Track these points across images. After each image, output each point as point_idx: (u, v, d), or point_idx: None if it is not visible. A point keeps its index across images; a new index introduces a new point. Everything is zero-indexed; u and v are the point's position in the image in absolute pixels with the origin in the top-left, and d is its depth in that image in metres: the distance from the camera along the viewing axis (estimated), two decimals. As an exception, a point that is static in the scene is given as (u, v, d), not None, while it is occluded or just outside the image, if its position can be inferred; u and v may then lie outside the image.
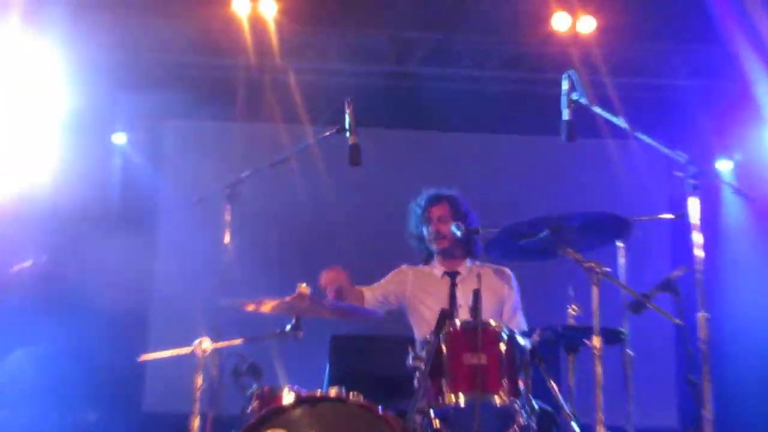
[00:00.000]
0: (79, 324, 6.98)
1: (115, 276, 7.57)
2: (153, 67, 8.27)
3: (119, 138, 8.39)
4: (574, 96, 4.68)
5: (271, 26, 7.80)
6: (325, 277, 5.47)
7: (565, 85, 4.69)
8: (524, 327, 5.58)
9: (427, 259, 5.89)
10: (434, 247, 5.79)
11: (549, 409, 4.84)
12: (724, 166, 8.17)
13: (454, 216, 5.70)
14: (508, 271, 5.78)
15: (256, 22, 7.79)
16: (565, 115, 4.64)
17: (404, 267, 5.91)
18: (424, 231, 5.81)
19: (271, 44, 7.93)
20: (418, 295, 5.75)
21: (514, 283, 5.77)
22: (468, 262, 5.80)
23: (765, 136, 7.78)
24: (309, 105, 8.18)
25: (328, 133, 5.04)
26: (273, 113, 8.33)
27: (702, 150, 7.89)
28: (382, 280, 5.86)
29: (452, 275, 5.73)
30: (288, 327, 4.77)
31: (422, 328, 5.62)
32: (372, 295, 5.73)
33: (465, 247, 5.78)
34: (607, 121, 5.19)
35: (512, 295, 5.72)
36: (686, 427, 4.54)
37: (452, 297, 5.63)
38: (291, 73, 8.31)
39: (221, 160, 7.87)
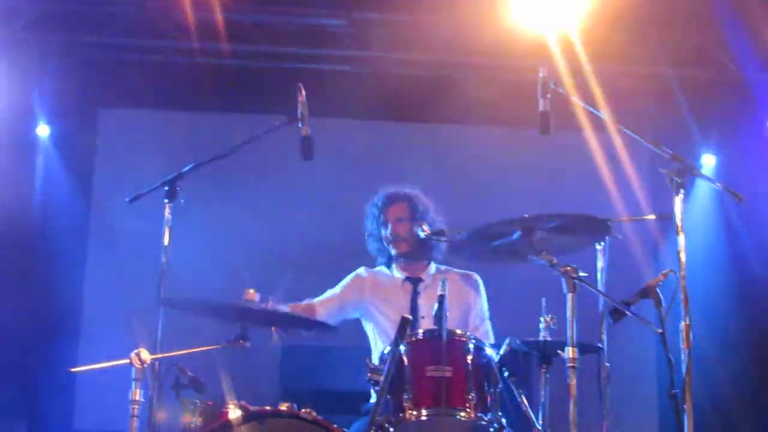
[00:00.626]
0: (3, 333, 6.97)
1: (42, 281, 7.55)
2: (85, 50, 8.23)
3: (43, 130, 8.30)
4: (551, 85, 4.74)
5: (217, 5, 7.75)
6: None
7: (541, 74, 4.75)
8: (491, 338, 5.63)
9: (388, 263, 5.90)
10: (393, 251, 5.79)
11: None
12: (707, 161, 8.28)
13: (413, 217, 5.70)
14: (475, 276, 5.81)
15: (199, 1, 7.74)
16: (541, 105, 4.70)
17: (361, 271, 5.90)
18: (382, 233, 5.82)
19: (216, 25, 7.89)
20: (376, 303, 5.75)
21: (482, 289, 5.80)
22: (432, 268, 5.82)
23: (754, 130, 7.93)
24: (258, 92, 8.18)
25: (278, 124, 5.02)
26: (218, 101, 8.33)
27: (687, 145, 8.00)
28: (336, 288, 5.83)
29: (414, 282, 5.76)
30: (233, 337, 4.76)
31: (380, 338, 5.63)
32: (324, 309, 5.66)
33: (428, 251, 5.79)
34: (587, 113, 5.27)
35: (479, 302, 5.75)
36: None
37: (414, 306, 5.66)
38: (238, 58, 8.30)
39: (161, 152, 7.86)
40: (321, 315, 5.60)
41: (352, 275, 5.88)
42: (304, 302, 5.63)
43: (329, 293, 5.78)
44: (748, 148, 8.04)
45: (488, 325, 5.73)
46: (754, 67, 7.81)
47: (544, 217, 4.53)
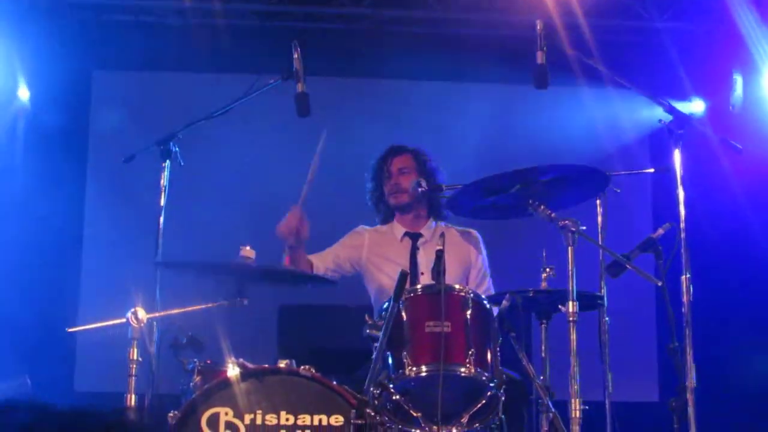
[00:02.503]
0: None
1: (39, 242, 7.52)
2: (76, 12, 8.16)
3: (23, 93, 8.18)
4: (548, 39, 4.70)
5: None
6: (286, 224, 5.38)
7: (538, 27, 4.70)
8: (492, 293, 5.62)
9: (386, 219, 5.87)
10: (392, 202, 5.76)
11: (518, 377, 4.88)
12: (697, 106, 8.16)
13: (417, 170, 5.68)
14: (475, 233, 5.80)
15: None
16: (538, 58, 4.65)
17: (360, 228, 5.89)
18: (384, 184, 5.79)
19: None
20: (375, 260, 5.73)
21: (482, 246, 5.78)
22: (431, 224, 5.80)
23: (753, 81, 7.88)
24: (252, 53, 8.12)
25: (272, 81, 4.99)
26: (211, 61, 8.26)
27: (685, 98, 7.94)
28: (335, 245, 5.82)
29: (414, 237, 5.73)
30: (231, 295, 4.74)
31: (380, 296, 5.61)
32: (322, 263, 5.66)
33: (428, 207, 5.77)
34: (584, 68, 5.23)
35: (480, 259, 5.74)
36: (667, 399, 4.59)
37: (413, 261, 5.64)
38: (230, 16, 8.24)
39: (156, 114, 7.81)
40: (319, 270, 5.60)
41: (350, 233, 5.86)
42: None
43: (327, 250, 5.76)
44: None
45: (489, 281, 5.72)
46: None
47: (540, 170, 4.50)
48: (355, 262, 5.76)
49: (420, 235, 5.72)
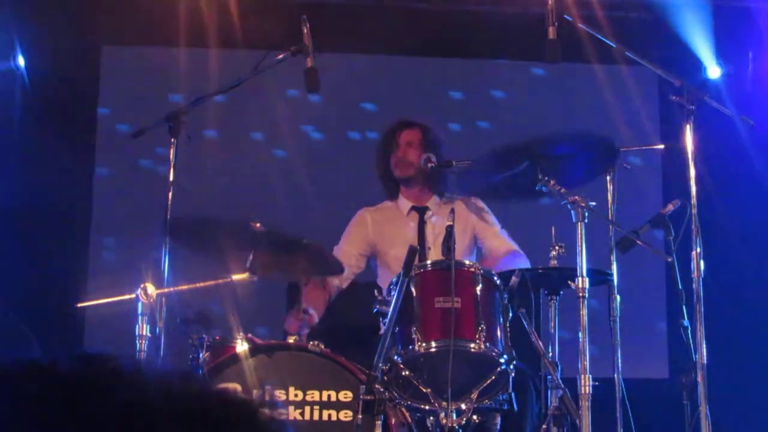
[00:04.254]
0: (9, 267, 6.96)
1: (50, 213, 7.52)
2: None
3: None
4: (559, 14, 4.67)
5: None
6: (290, 325, 5.17)
7: (550, 2, 4.67)
8: (514, 245, 5.59)
9: (392, 194, 5.83)
10: (397, 174, 5.70)
11: (522, 367, 4.83)
12: (713, 72, 8.06)
13: (425, 145, 5.64)
14: (478, 201, 5.71)
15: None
16: (550, 33, 4.62)
17: (361, 213, 5.84)
18: (390, 158, 5.73)
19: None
20: (381, 242, 5.70)
21: (485, 207, 5.71)
22: (436, 198, 5.77)
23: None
24: (262, 27, 8.08)
25: (281, 56, 4.94)
26: (220, 36, 8.23)
27: (696, 73, 7.88)
28: (345, 243, 5.75)
29: (421, 211, 5.70)
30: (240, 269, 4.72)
31: (388, 274, 5.57)
32: (349, 265, 5.50)
33: (433, 183, 5.73)
34: (595, 44, 5.19)
35: (489, 219, 5.67)
36: (677, 376, 4.59)
37: (421, 236, 5.61)
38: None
39: (163, 88, 7.79)
40: (349, 273, 5.54)
41: (352, 222, 5.83)
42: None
43: (344, 251, 5.68)
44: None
45: (505, 233, 5.66)
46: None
47: (550, 139, 4.49)
48: (369, 249, 5.73)
49: (427, 209, 5.69)
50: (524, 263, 5.33)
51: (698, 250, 4.34)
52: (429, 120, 5.91)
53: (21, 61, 7.97)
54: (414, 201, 5.73)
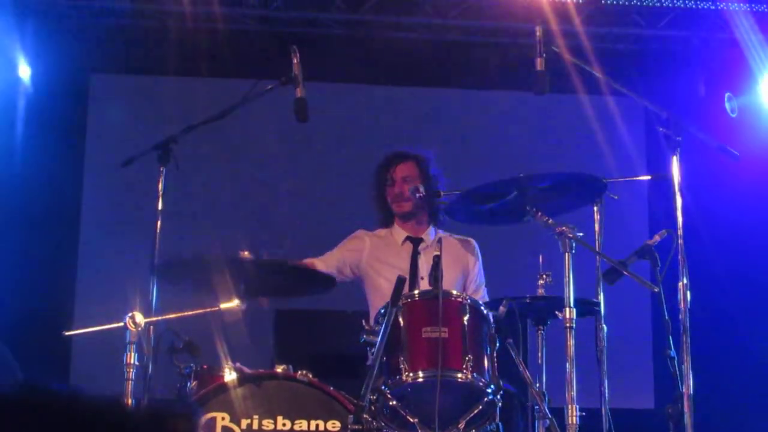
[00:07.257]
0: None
1: (37, 241, 7.52)
2: (75, 14, 8.16)
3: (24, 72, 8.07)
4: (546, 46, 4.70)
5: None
6: None
7: (538, 32, 4.71)
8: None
9: (387, 222, 5.84)
10: (396, 210, 5.73)
11: (513, 390, 4.89)
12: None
13: (421, 177, 5.66)
14: (472, 241, 5.77)
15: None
16: (538, 65, 4.65)
17: (360, 232, 5.85)
18: (386, 192, 5.75)
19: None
20: (375, 265, 5.71)
21: (479, 255, 5.78)
22: (431, 230, 5.80)
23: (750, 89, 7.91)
24: (251, 58, 8.12)
25: (270, 87, 4.95)
26: (209, 65, 8.26)
27: (685, 105, 7.94)
28: (336, 249, 5.79)
29: (415, 242, 5.72)
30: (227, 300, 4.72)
31: (378, 301, 5.59)
32: (324, 265, 5.62)
33: (429, 213, 5.75)
34: (582, 75, 5.23)
35: (477, 267, 5.73)
36: (663, 406, 4.60)
37: (414, 266, 5.63)
38: (230, 21, 8.24)
39: (153, 117, 7.82)
40: (321, 270, 5.56)
41: (350, 237, 5.84)
42: (305, 260, 5.60)
43: (330, 254, 5.74)
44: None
45: (484, 290, 5.72)
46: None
47: (537, 177, 4.52)
48: (355, 267, 5.73)
49: (421, 240, 5.71)
50: None
51: (685, 281, 4.35)
52: (416, 147, 5.93)
53: (26, 71, 7.96)
54: (409, 231, 5.75)
